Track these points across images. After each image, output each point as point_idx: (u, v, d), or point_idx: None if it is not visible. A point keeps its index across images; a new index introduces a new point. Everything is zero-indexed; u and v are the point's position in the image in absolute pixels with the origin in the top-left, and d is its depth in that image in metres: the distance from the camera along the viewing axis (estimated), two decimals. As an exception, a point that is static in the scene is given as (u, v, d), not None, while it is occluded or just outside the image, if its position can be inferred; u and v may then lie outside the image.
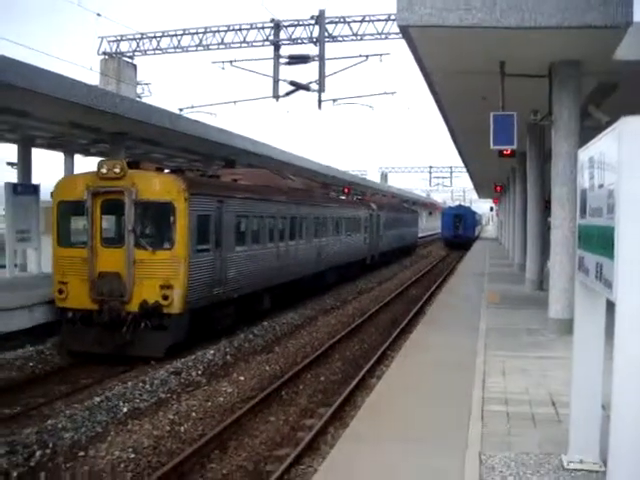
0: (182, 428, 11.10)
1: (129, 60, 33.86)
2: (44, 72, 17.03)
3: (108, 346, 15.15)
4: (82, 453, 9.92)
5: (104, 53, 33.52)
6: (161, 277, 15.27)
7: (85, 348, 15.50)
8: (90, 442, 10.41)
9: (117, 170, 15.42)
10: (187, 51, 32.38)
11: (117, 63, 32.68)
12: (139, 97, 33.87)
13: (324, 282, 28.55)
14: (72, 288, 15.86)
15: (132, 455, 9.77)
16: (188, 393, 13.22)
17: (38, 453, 9.80)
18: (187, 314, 15.69)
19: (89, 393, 12.98)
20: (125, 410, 11.94)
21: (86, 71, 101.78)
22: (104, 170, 15.59)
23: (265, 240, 21.07)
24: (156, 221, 16.79)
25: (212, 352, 16.19)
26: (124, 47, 33.63)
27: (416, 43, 13.45)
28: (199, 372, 14.72)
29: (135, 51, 33.51)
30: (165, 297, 15.08)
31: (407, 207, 62.48)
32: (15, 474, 9.10)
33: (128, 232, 15.52)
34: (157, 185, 15.77)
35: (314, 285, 27.05)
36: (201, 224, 16.30)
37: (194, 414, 11.83)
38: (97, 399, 12.28)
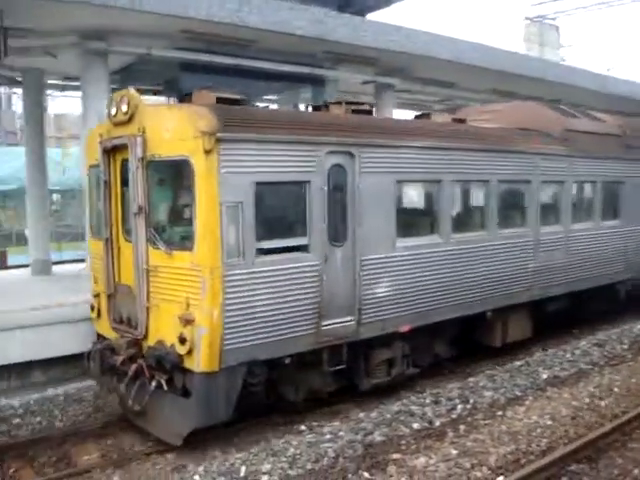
0: (602, 402, 10.65)
1: (552, 22, 33.13)
2: (468, 44, 17.74)
3: (126, 408, 9.67)
4: (500, 413, 10.21)
5: (526, 18, 33.33)
6: (181, 300, 8.67)
7: (117, 404, 10.18)
8: (508, 404, 10.66)
9: (124, 107, 9.25)
10: (611, 6, 30.52)
11: (539, 27, 32.20)
12: (563, 60, 32.92)
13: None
14: (102, 303, 10.27)
15: (549, 422, 9.73)
16: (611, 367, 12.64)
17: (459, 407, 10.42)
18: (228, 374, 8.69)
19: (510, 357, 13.28)
20: (545, 377, 11.96)
21: (508, 37, 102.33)
22: (113, 109, 9.53)
23: (486, 224, 12.32)
24: (174, 196, 9.60)
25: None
26: (546, 10, 33.05)
27: None
28: (624, 346, 13.99)
29: (558, 12, 32.69)
30: (182, 339, 8.56)
31: None
32: (438, 423, 9.82)
33: (135, 216, 9.16)
34: (169, 128, 8.80)
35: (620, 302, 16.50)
36: (272, 200, 9.17)
37: (616, 389, 11.25)
38: (517, 363, 12.63)
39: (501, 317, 12.76)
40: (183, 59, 15.15)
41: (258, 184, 8.71)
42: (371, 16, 20.32)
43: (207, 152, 8.25)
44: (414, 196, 11.58)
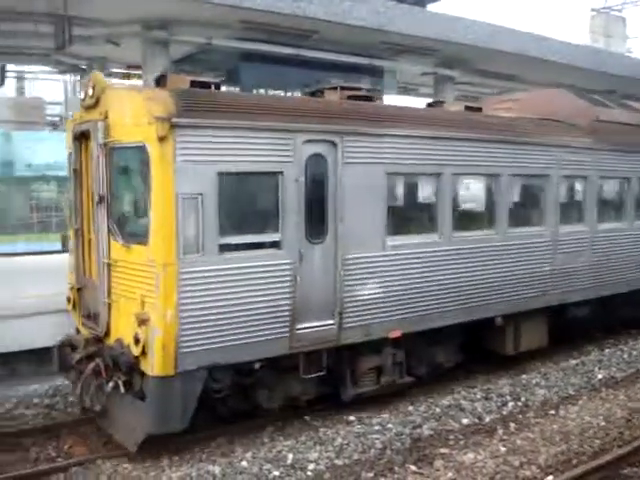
0: (660, 405, 10.41)
1: (618, 14, 32.20)
2: (531, 36, 17.46)
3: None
4: (552, 412, 10.05)
5: (592, 9, 32.49)
6: (137, 298, 8.04)
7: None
8: (561, 402, 10.49)
9: (90, 91, 8.80)
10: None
11: (605, 18, 31.34)
12: (629, 52, 31.96)
13: None
14: (75, 296, 9.72)
15: (602, 423, 9.53)
16: (670, 369, 12.32)
17: (510, 404, 10.30)
18: (185, 379, 7.95)
19: (565, 355, 13.03)
20: (600, 377, 11.73)
21: (574, 29, 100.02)
22: (82, 93, 9.17)
23: (494, 222, 11.12)
24: (134, 185, 8.79)
25: None
26: (613, 1, 32.17)
27: None
28: (686, 348, 13.60)
29: (625, 3, 31.76)
30: (136, 340, 7.89)
31: None
32: (488, 419, 9.71)
33: (96, 206, 8.69)
34: (128, 113, 8.25)
35: None
36: (239, 192, 8.34)
37: (674, 391, 10.97)
38: (573, 362, 12.42)
39: (513, 324, 11.65)
40: (243, 49, 15.27)
41: (222, 174, 7.97)
42: (432, 7, 20.12)
43: (161, 139, 7.57)
44: (409, 190, 10.17)
